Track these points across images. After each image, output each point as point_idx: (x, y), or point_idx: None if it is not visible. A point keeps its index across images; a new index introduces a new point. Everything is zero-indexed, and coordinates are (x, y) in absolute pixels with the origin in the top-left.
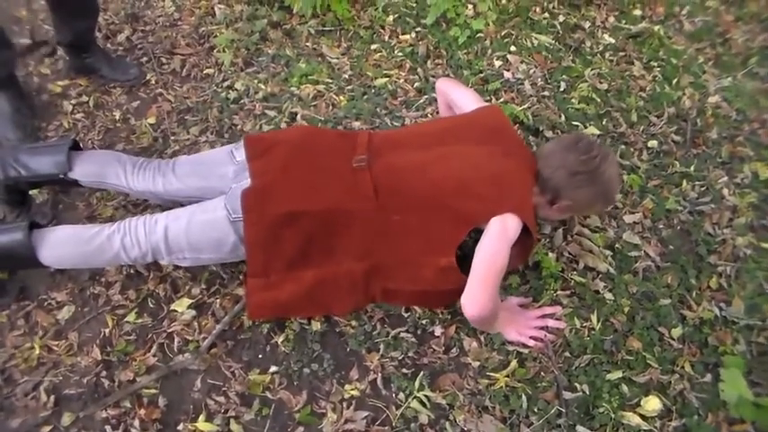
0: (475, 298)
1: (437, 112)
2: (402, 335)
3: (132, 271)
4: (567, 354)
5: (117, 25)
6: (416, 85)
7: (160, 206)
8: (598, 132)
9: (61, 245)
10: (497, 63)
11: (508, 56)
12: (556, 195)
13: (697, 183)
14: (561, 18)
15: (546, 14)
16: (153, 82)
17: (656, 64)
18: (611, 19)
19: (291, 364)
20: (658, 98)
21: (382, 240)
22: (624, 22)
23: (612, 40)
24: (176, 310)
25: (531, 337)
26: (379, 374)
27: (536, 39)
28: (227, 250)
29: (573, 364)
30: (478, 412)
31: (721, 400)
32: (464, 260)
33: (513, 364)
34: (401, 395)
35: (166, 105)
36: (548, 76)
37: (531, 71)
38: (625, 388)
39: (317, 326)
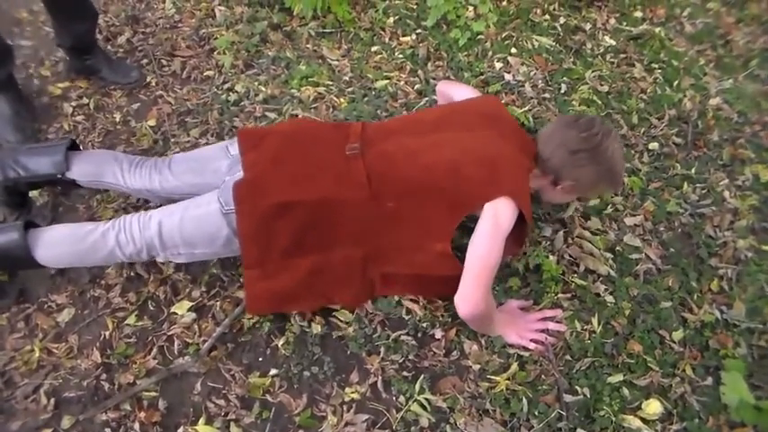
0: (467, 297)
1: None
2: (402, 338)
3: (132, 273)
4: (568, 357)
5: (117, 27)
6: (417, 87)
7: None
8: None
9: (57, 244)
10: (498, 65)
11: (509, 58)
12: (558, 176)
13: (698, 185)
14: (562, 20)
15: (546, 16)
16: (153, 84)
17: (656, 66)
18: (612, 21)
19: (292, 367)
20: (659, 100)
21: (377, 227)
22: (625, 23)
23: (613, 42)
24: (176, 313)
25: (531, 340)
26: (380, 377)
27: (537, 41)
28: (221, 244)
29: (574, 368)
30: (479, 415)
31: (722, 404)
32: (463, 249)
33: (514, 367)
34: (401, 398)
35: (167, 107)
36: (548, 78)
37: (532, 73)
38: (626, 391)
39: (317, 329)
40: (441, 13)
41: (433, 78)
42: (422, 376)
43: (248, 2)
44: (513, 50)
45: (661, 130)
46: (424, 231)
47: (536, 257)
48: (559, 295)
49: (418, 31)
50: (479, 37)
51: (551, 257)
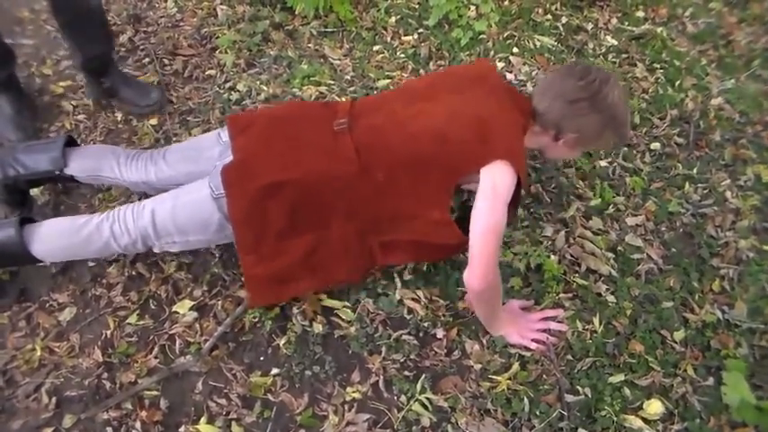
0: (476, 271)
1: None
2: (404, 337)
3: (134, 273)
4: (570, 357)
5: (119, 26)
6: None
7: None
8: None
9: (52, 237)
10: (500, 65)
11: (511, 57)
12: (559, 129)
13: (700, 185)
14: (564, 19)
15: (548, 16)
16: (155, 83)
17: (658, 66)
18: (614, 20)
19: (293, 367)
20: (661, 100)
21: (370, 200)
22: (627, 23)
23: (615, 42)
24: (178, 312)
25: (533, 340)
26: (381, 377)
27: (539, 40)
28: (214, 230)
29: (575, 367)
30: (480, 415)
31: (723, 404)
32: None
33: (515, 366)
34: (403, 398)
35: (168, 106)
36: None
37: (534, 73)
38: (627, 391)
39: (318, 328)
40: (443, 13)
41: None
42: (423, 376)
43: (250, 1)
44: (515, 50)
45: (663, 130)
46: (418, 200)
47: (537, 257)
48: (561, 295)
49: (420, 30)
50: (481, 36)
51: (553, 257)
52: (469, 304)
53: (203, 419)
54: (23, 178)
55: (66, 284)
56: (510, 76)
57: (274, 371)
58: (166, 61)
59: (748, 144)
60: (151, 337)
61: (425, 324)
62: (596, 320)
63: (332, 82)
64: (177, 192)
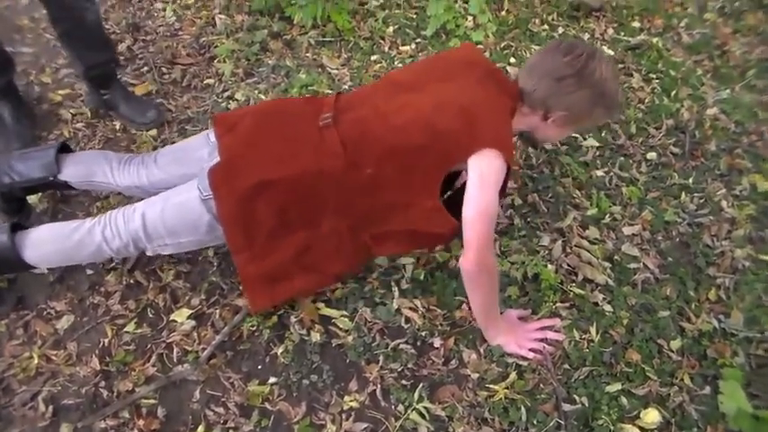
0: (471, 257)
1: None
2: (401, 346)
3: (132, 281)
4: (566, 366)
5: (118, 35)
6: None
7: None
8: (597, 144)
9: (44, 243)
10: None
11: (508, 67)
12: (547, 108)
13: (696, 195)
14: (560, 30)
15: (545, 26)
16: (154, 92)
17: (654, 76)
18: (610, 31)
19: (291, 376)
20: (657, 110)
21: (360, 195)
22: (623, 34)
23: (611, 52)
24: (176, 321)
25: (530, 349)
26: (379, 386)
27: (535, 50)
28: (204, 231)
29: (572, 377)
30: (477, 424)
31: (720, 413)
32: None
33: (513, 375)
34: (400, 407)
35: (167, 115)
36: None
37: None
38: (624, 400)
39: (316, 337)
40: (440, 23)
41: None
42: (421, 385)
43: (248, 10)
44: (512, 60)
45: (659, 139)
46: (409, 192)
47: (534, 266)
48: (558, 304)
49: (418, 40)
50: (478, 46)
51: (550, 267)
52: (467, 313)
53: (201, 428)
54: (19, 185)
55: (63, 292)
56: None
57: (272, 379)
58: (165, 70)
59: (743, 154)
60: (149, 346)
61: (423, 333)
62: (593, 330)
63: (330, 91)
64: (167, 194)
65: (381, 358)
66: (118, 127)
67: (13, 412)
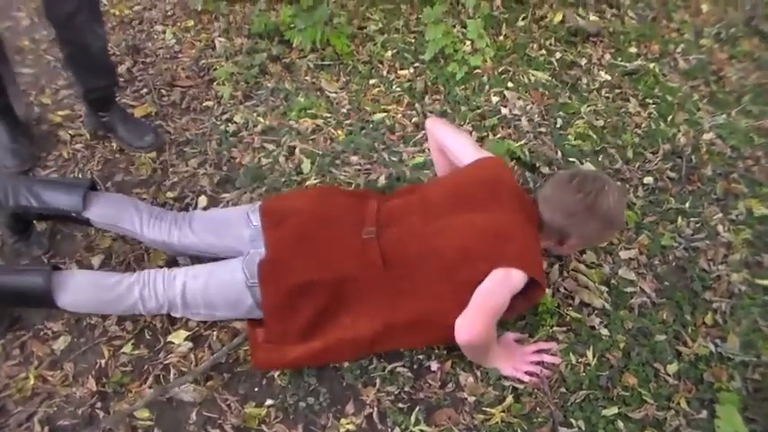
0: (469, 324)
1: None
2: (398, 369)
3: None
4: (563, 389)
5: (118, 57)
6: (414, 120)
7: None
8: (594, 168)
9: (82, 291)
10: (495, 99)
11: (505, 92)
12: (561, 236)
13: (692, 219)
14: (558, 55)
15: (543, 51)
16: (153, 114)
17: (651, 101)
18: (607, 56)
19: (287, 398)
20: (654, 135)
21: (390, 306)
22: (620, 59)
23: (608, 77)
24: (173, 342)
25: (526, 373)
26: (375, 409)
27: (533, 75)
28: (243, 311)
29: (569, 400)
30: None
31: None
32: None
33: (509, 399)
34: (397, 430)
35: (166, 137)
36: (544, 113)
37: (528, 107)
38: (621, 424)
39: None
40: (438, 47)
41: (431, 112)
42: (417, 408)
43: (248, 33)
44: (510, 84)
45: (655, 164)
46: (436, 309)
47: None
48: (555, 328)
49: (416, 64)
50: (476, 71)
51: (547, 290)
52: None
53: None
54: (36, 211)
55: (60, 313)
56: (505, 111)
57: (269, 402)
58: (164, 92)
59: (740, 178)
60: (146, 367)
61: (420, 356)
62: (590, 353)
63: (328, 115)
64: (211, 269)
65: (378, 381)
66: (116, 148)
67: None
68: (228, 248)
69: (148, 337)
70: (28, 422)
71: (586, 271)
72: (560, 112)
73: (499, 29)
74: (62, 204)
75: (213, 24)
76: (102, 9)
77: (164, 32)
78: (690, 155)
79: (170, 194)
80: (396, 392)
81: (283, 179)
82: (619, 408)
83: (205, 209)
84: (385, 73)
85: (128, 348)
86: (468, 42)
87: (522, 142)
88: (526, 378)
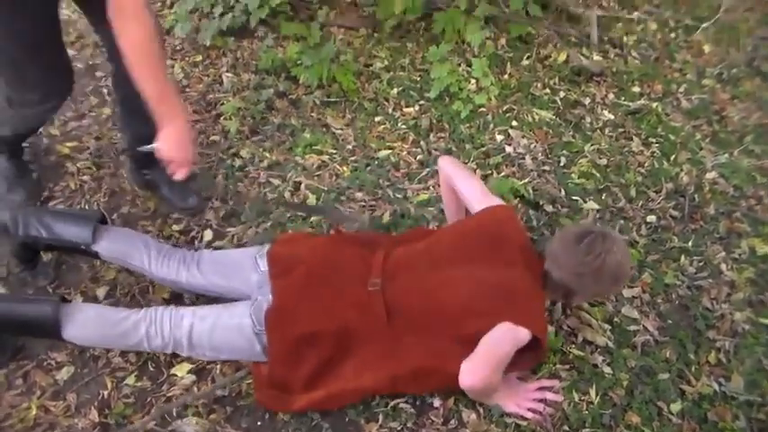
0: (474, 369)
1: (438, 185)
2: (401, 405)
3: None
4: (566, 427)
5: None
6: (419, 157)
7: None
8: (597, 207)
9: (88, 325)
10: (499, 137)
11: (510, 130)
12: (567, 293)
13: (695, 258)
14: (562, 94)
15: (547, 90)
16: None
17: (654, 140)
18: (611, 95)
19: None
20: (657, 174)
21: (394, 358)
22: (623, 98)
23: (612, 117)
24: (176, 375)
25: (529, 410)
26: None
27: (537, 114)
28: (248, 355)
29: None
30: None
31: None
32: None
33: None
34: None
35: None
36: (548, 151)
37: (532, 146)
38: None
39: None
40: (444, 86)
41: (435, 149)
42: None
43: (255, 69)
44: (514, 123)
45: (658, 203)
46: (438, 362)
47: None
48: (557, 366)
49: (421, 102)
50: (481, 109)
51: (550, 328)
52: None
53: None
54: (45, 242)
55: (64, 344)
56: (509, 149)
57: None
58: None
59: (742, 217)
60: (149, 399)
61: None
62: (593, 391)
63: (333, 151)
64: (219, 312)
65: (381, 417)
66: (122, 180)
67: None
68: (235, 290)
69: (152, 369)
70: None
71: (589, 309)
72: (564, 151)
73: (504, 68)
74: (72, 236)
75: (221, 60)
76: None
77: (172, 67)
78: (693, 194)
79: (176, 227)
80: (398, 429)
81: (288, 214)
82: None
83: (211, 242)
84: (390, 110)
85: (131, 380)
86: (473, 81)
87: (526, 180)
88: (529, 415)
